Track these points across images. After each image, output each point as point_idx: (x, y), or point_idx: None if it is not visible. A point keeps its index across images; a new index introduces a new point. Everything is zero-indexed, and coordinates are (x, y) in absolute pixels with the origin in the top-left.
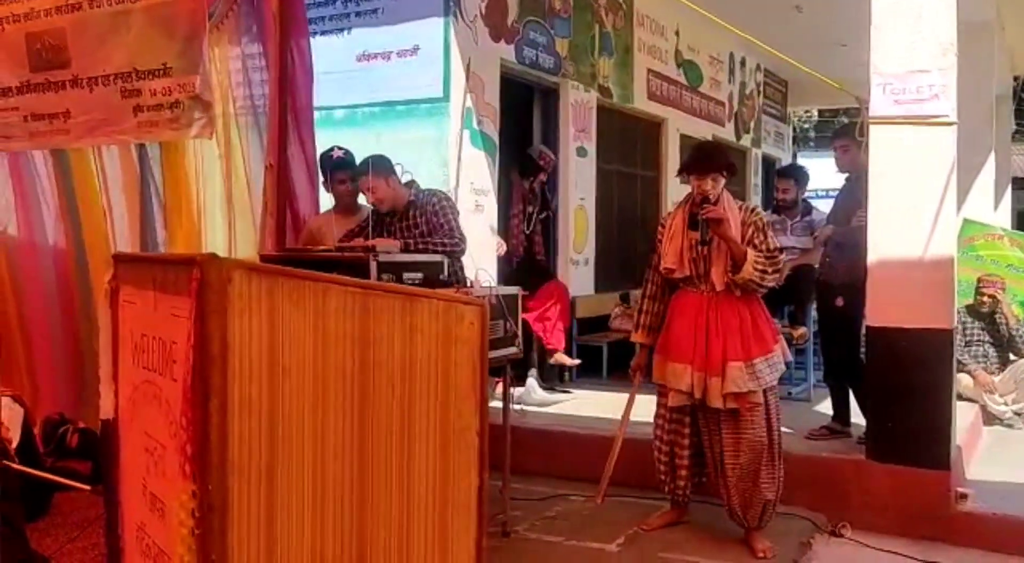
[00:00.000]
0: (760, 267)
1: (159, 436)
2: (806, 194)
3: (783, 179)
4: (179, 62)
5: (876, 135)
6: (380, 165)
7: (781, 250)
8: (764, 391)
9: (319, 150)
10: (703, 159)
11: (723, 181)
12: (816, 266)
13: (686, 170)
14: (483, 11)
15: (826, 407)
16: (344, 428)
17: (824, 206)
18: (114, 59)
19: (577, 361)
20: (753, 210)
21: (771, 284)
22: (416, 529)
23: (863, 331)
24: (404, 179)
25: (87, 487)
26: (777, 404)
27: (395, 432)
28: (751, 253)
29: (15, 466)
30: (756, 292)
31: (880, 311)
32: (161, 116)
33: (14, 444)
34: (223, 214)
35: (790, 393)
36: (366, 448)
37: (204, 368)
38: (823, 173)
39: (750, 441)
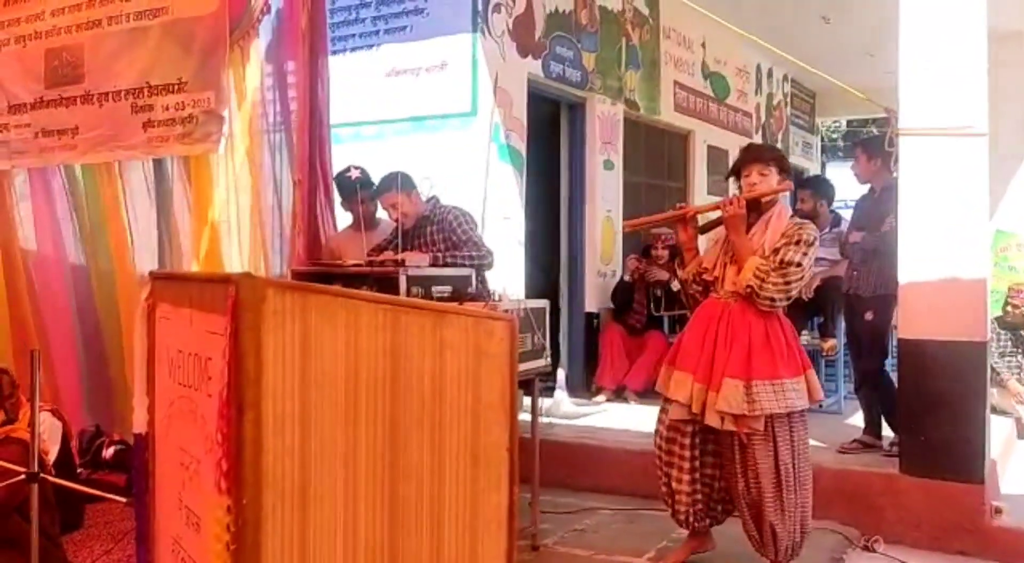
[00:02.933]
0: (760, 275)
1: (195, 451)
2: (834, 205)
3: (801, 190)
4: (195, 77)
5: (906, 146)
6: (403, 181)
7: (799, 265)
8: (772, 419)
9: (335, 167)
10: (746, 153)
11: (773, 178)
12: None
13: (732, 170)
14: (510, 27)
15: (857, 420)
16: (376, 443)
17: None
18: (127, 74)
19: None
20: (801, 226)
21: (775, 297)
22: (447, 544)
23: (894, 343)
24: (429, 194)
25: (123, 499)
26: (791, 436)
27: (426, 447)
28: (756, 259)
29: (52, 478)
30: (765, 305)
31: (912, 323)
32: (172, 131)
33: (52, 457)
34: (248, 230)
35: (820, 406)
36: (397, 463)
37: (239, 384)
38: (852, 183)
39: (754, 471)
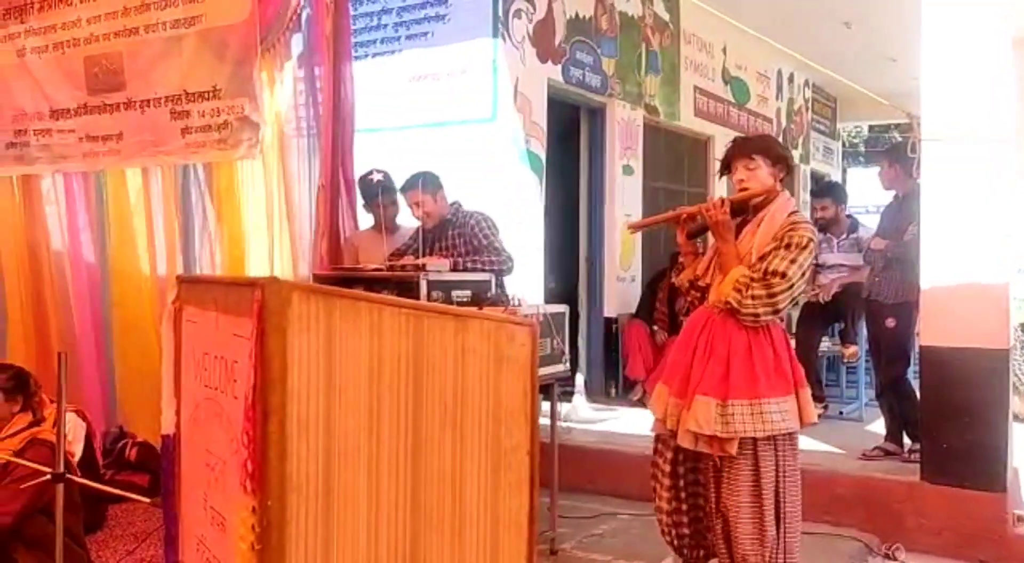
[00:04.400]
0: (740, 287)
1: (220, 452)
2: (850, 210)
3: (818, 199)
4: (229, 84)
5: (929, 152)
6: (429, 181)
7: (783, 275)
8: (756, 443)
9: (358, 171)
10: (731, 147)
11: (764, 171)
12: (864, 284)
13: (722, 166)
14: (531, 32)
15: (878, 427)
16: (398, 446)
17: (872, 221)
18: (166, 82)
19: None
20: (794, 226)
21: (758, 312)
22: (469, 547)
23: (915, 350)
24: (449, 201)
25: (147, 500)
26: (776, 463)
27: (448, 451)
28: (738, 270)
29: (76, 479)
30: (749, 321)
31: (934, 330)
32: (209, 137)
33: (76, 458)
34: (270, 234)
35: (841, 412)
36: (419, 466)
37: (265, 387)
38: (875, 188)
39: (727, 496)
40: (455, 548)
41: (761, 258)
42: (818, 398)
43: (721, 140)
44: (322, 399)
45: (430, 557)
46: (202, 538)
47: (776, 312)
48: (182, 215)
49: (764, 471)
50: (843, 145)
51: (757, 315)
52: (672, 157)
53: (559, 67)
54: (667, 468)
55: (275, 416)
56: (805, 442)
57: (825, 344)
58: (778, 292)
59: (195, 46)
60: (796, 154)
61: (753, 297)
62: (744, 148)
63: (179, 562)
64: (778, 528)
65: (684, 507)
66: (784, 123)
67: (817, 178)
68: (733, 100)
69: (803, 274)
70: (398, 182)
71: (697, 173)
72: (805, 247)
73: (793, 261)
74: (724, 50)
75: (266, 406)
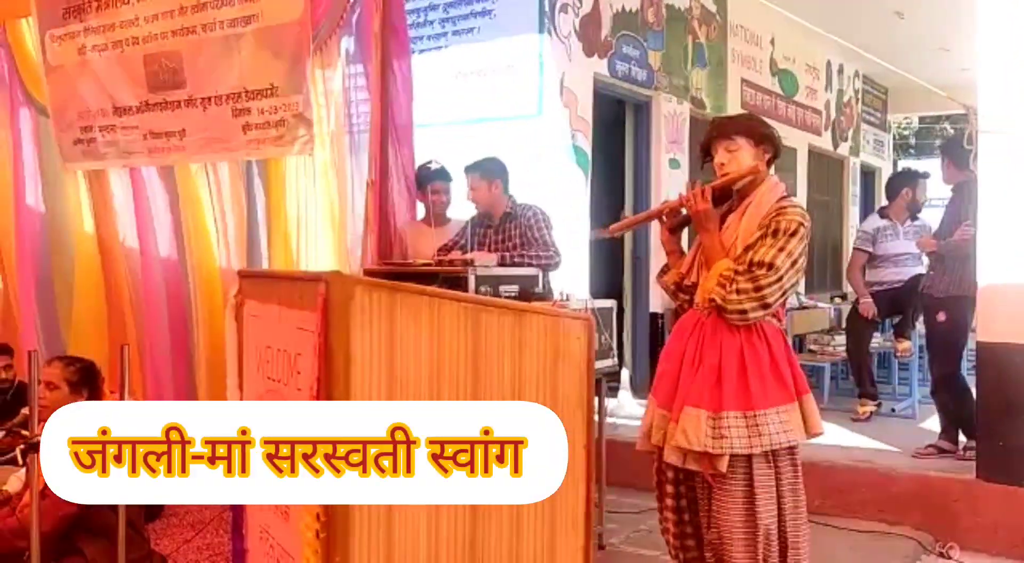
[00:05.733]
0: (724, 281)
1: None
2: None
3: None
4: (285, 82)
5: (986, 144)
6: (490, 167)
7: (771, 266)
8: (751, 459)
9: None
10: (710, 129)
11: (746, 152)
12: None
13: (701, 150)
14: (577, 27)
15: (930, 424)
16: None
17: (928, 215)
18: (226, 80)
19: None
20: (781, 211)
21: (745, 309)
22: (526, 540)
23: (969, 347)
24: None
25: None
26: (777, 481)
27: None
28: (722, 263)
29: None
30: (736, 319)
31: (991, 326)
32: (267, 134)
33: None
34: (323, 230)
35: (893, 410)
36: None
37: (329, 379)
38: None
39: (719, 520)
40: (513, 541)
41: (747, 249)
42: (870, 395)
43: None
44: (384, 391)
45: (488, 547)
46: (265, 527)
47: (766, 307)
48: (246, 210)
49: (760, 490)
50: (894, 137)
51: (744, 311)
52: None
53: (605, 61)
54: (669, 489)
55: None
56: (858, 440)
57: (876, 341)
58: (765, 285)
59: (252, 45)
60: (846, 146)
61: (738, 291)
62: (723, 129)
63: (245, 549)
64: (782, 556)
65: (687, 528)
66: (834, 115)
67: (867, 172)
68: (781, 92)
69: (794, 264)
70: (457, 172)
71: None
72: (795, 234)
73: (781, 250)
74: (772, 42)
75: (330, 397)
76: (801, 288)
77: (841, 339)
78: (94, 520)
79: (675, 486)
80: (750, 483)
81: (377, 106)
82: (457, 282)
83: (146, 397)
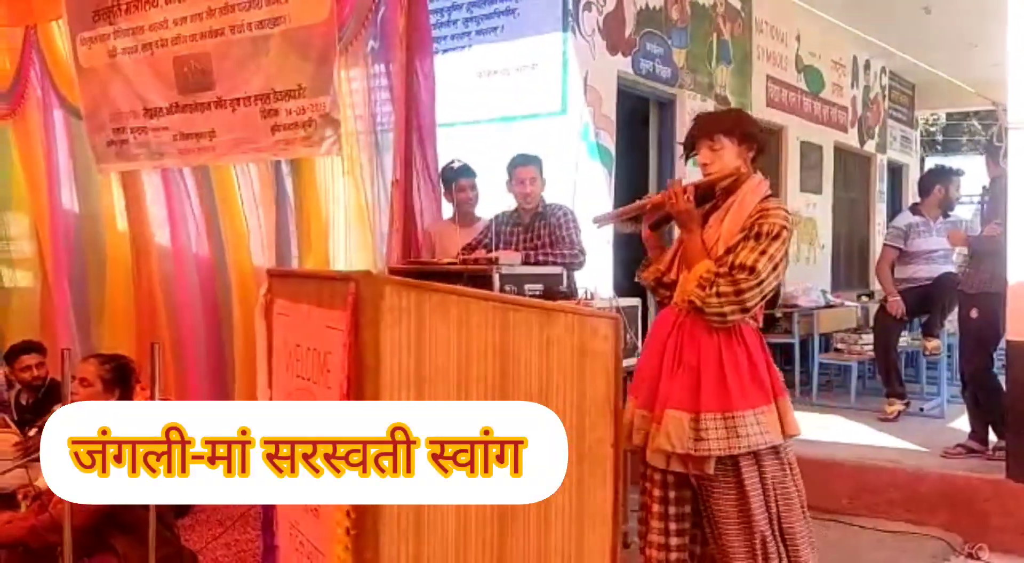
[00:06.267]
0: (704, 284)
1: None
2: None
3: (932, 186)
4: (312, 83)
5: (1016, 140)
6: (540, 162)
7: (752, 270)
8: (738, 459)
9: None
10: (692, 127)
11: (730, 151)
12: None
13: (684, 147)
14: (600, 25)
15: (960, 424)
16: None
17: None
18: (254, 81)
19: None
20: (764, 212)
21: (724, 312)
22: (554, 537)
23: (1000, 345)
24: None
25: None
26: (761, 479)
27: None
28: (703, 264)
29: None
30: (716, 322)
31: (1021, 324)
32: (296, 134)
33: None
34: (348, 229)
35: (922, 409)
36: None
37: (359, 377)
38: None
39: (720, 523)
40: (540, 537)
41: (728, 251)
42: (898, 395)
43: (794, 131)
44: (412, 389)
45: (516, 545)
46: (295, 523)
47: (745, 311)
48: (276, 211)
49: (750, 490)
50: (921, 134)
51: (723, 315)
52: None
53: (629, 59)
54: (656, 492)
55: None
56: (886, 439)
57: (904, 339)
58: (745, 289)
59: (280, 46)
60: (872, 143)
61: (718, 295)
62: (706, 128)
63: (275, 545)
64: (779, 552)
65: (674, 540)
66: (860, 112)
67: (894, 168)
68: (807, 89)
69: (775, 268)
70: (482, 170)
71: (769, 164)
72: (777, 237)
73: (763, 253)
74: (798, 38)
75: (360, 396)
76: (827, 286)
77: (868, 338)
78: (125, 516)
79: (663, 490)
80: (739, 484)
81: (401, 106)
82: (482, 280)
83: (178, 395)
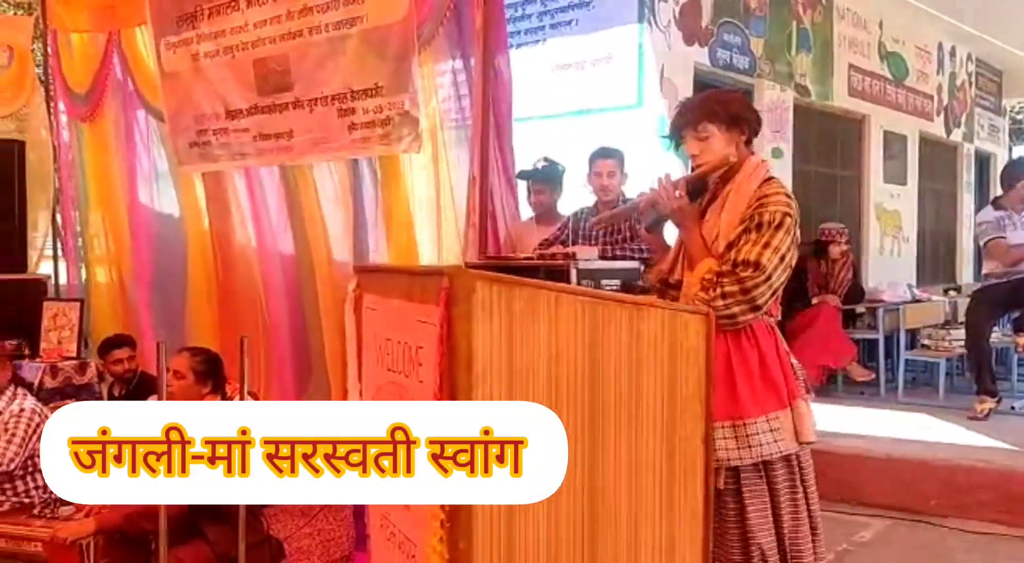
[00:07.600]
0: (707, 285)
1: None
2: None
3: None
4: (390, 82)
5: None
6: (622, 156)
7: (757, 265)
8: (739, 472)
9: (519, 161)
10: (675, 116)
11: (718, 139)
12: None
13: (670, 138)
14: (676, 16)
15: None
16: (575, 433)
17: None
18: (331, 81)
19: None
20: (763, 202)
21: (734, 313)
22: (644, 531)
23: None
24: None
25: None
26: (768, 497)
27: (623, 438)
28: (706, 263)
29: None
30: (725, 324)
31: None
32: (373, 133)
33: None
34: (427, 225)
35: (1013, 407)
36: (596, 452)
37: (453, 371)
38: None
39: (727, 539)
40: (631, 531)
41: (730, 246)
42: (990, 392)
43: (877, 120)
44: (504, 383)
45: (607, 538)
46: (386, 514)
47: (756, 309)
48: (353, 207)
49: (750, 509)
50: (1009, 122)
51: (733, 316)
52: (824, 139)
53: (706, 50)
54: None
55: (462, 398)
56: (976, 438)
57: (995, 336)
58: (752, 286)
59: (357, 46)
60: (959, 132)
61: (724, 296)
62: (688, 116)
63: (367, 534)
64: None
65: None
66: (946, 100)
67: (982, 158)
68: (890, 77)
69: (782, 259)
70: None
71: (851, 155)
72: (780, 225)
73: (767, 245)
74: (880, 24)
75: (453, 389)
76: (913, 279)
77: (957, 333)
78: (217, 505)
79: None
80: (739, 501)
81: (479, 102)
82: (558, 275)
83: (265, 388)
